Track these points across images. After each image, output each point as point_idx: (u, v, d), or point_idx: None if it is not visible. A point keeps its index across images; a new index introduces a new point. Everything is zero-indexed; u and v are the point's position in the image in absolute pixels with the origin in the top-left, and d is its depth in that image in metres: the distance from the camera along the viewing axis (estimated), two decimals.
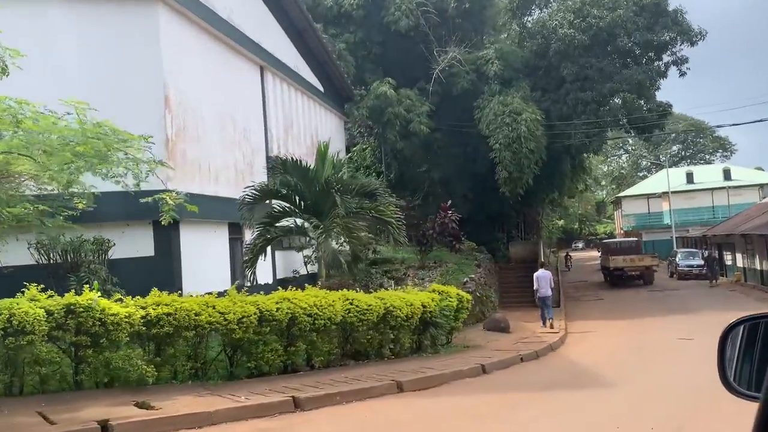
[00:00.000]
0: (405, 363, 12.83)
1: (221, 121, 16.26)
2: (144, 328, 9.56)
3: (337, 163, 15.19)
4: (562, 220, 70.16)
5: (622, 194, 66.02)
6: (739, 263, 35.89)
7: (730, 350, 2.51)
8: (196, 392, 9.39)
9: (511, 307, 25.22)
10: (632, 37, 28.93)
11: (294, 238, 17.38)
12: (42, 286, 9.12)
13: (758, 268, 32.24)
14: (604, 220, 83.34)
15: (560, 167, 31.99)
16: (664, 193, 54.65)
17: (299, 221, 15.53)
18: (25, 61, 12.54)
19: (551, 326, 19.72)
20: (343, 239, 15.49)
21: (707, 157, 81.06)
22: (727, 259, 38.90)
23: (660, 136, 63.82)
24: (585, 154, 35.55)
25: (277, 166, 15.32)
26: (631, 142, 76.55)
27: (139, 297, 9.95)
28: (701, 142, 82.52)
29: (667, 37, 29.45)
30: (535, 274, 20.62)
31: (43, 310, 8.52)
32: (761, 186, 56.22)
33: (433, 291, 15.38)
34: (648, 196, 59.80)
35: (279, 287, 12.26)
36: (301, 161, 15.11)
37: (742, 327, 2.50)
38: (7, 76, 8.16)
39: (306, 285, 12.63)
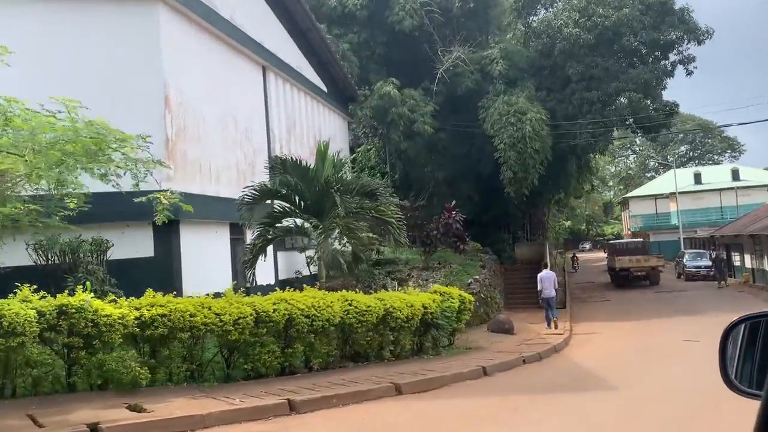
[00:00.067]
0: (405, 365, 12.67)
1: (223, 121, 16.17)
2: (138, 330, 9.45)
3: (338, 162, 15.04)
4: (569, 221, 69.81)
5: (629, 195, 65.65)
6: (748, 264, 35.55)
7: (732, 349, 2.53)
8: (190, 394, 9.26)
9: (517, 308, 25.03)
10: (638, 35, 28.68)
11: (297, 238, 17.27)
12: (35, 287, 9.01)
13: (767, 269, 31.90)
14: (612, 221, 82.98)
15: (566, 167, 31.74)
16: (671, 193, 54.30)
17: (299, 221, 15.41)
18: (24, 60, 12.58)
19: (555, 326, 19.55)
20: (345, 240, 15.36)
21: (716, 157, 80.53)
22: (736, 260, 38.56)
23: (668, 136, 63.59)
24: (591, 154, 35.27)
25: (276, 165, 15.20)
26: (638, 142, 76.23)
27: (133, 298, 9.84)
28: (709, 143, 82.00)
29: (674, 36, 29.17)
30: (538, 275, 20.46)
31: (34, 311, 8.41)
32: None
33: (435, 292, 15.21)
34: (655, 197, 59.45)
35: (277, 288, 12.14)
36: (300, 161, 14.99)
37: (743, 326, 2.53)
38: None
39: (304, 286, 12.49)
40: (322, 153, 14.89)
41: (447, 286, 17.23)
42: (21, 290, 8.80)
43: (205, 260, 14.53)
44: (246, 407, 8.59)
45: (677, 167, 59.90)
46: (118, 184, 9.68)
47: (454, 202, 25.05)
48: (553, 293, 19.91)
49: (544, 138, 26.52)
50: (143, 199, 10.21)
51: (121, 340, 9.23)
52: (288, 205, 15.19)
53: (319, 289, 13.02)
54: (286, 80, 20.64)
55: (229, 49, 16.78)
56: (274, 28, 20.16)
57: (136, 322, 9.39)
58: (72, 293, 9.19)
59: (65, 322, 8.69)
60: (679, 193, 51.99)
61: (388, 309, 12.73)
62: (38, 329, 8.42)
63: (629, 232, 61.75)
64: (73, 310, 8.71)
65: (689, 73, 29.94)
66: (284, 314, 10.81)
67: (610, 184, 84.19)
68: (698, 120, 72.57)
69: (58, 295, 8.97)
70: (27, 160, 7.59)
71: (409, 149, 28.51)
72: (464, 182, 30.41)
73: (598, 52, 28.78)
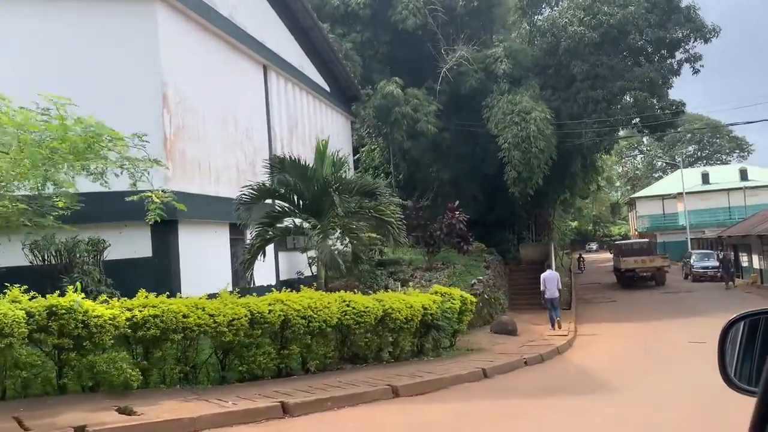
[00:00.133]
0: (404, 367, 12.48)
1: (222, 121, 16.03)
2: (130, 331, 9.30)
3: (338, 161, 14.83)
4: (576, 222, 69.51)
5: (636, 195, 65.28)
6: (756, 265, 35.21)
7: (731, 346, 2.53)
8: (183, 397, 9.11)
9: (521, 309, 24.79)
10: (644, 34, 28.45)
11: (298, 238, 17.09)
12: (25, 287, 8.89)
13: None
14: (619, 222, 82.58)
15: (571, 167, 31.49)
16: (679, 193, 53.91)
17: (298, 221, 15.25)
18: (21, 59, 12.53)
19: (559, 326, 19.35)
20: (347, 240, 15.16)
21: (724, 157, 79.96)
22: (743, 260, 38.21)
23: (675, 136, 63.22)
24: (596, 154, 35.02)
25: (275, 164, 15.03)
26: (645, 142, 75.78)
27: (125, 299, 9.71)
28: (717, 143, 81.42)
29: (680, 34, 28.91)
30: (542, 275, 20.28)
31: (23, 311, 8.26)
32: None
33: (435, 292, 15.01)
34: (663, 197, 59.10)
35: (273, 289, 11.98)
36: (299, 159, 14.81)
37: (742, 323, 2.52)
38: None
39: (301, 286, 12.32)
40: (320, 151, 14.70)
41: (450, 287, 17.03)
42: (11, 290, 8.68)
43: (205, 260, 14.39)
44: (238, 410, 8.43)
45: (685, 167, 59.41)
46: (106, 182, 9.53)
47: (457, 202, 24.86)
48: (557, 294, 19.71)
49: (549, 137, 26.30)
50: (135, 198, 10.06)
51: (112, 341, 9.07)
52: (287, 204, 15.02)
53: (317, 289, 12.84)
54: (287, 79, 20.48)
55: (228, 47, 16.63)
56: (275, 26, 20.00)
57: (127, 323, 9.23)
58: (62, 294, 9.05)
59: (55, 323, 8.54)
60: (687, 193, 51.61)
61: (386, 310, 12.55)
62: (27, 330, 8.27)
63: (636, 233, 61.37)
64: (63, 311, 8.56)
65: (696, 72, 29.70)
66: (280, 315, 10.64)
67: (617, 184, 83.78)
68: (706, 119, 72.02)
69: (48, 296, 8.83)
70: (12, 158, 7.45)
71: (412, 149, 28.34)
72: (468, 182, 30.21)
73: (603, 50, 28.53)
